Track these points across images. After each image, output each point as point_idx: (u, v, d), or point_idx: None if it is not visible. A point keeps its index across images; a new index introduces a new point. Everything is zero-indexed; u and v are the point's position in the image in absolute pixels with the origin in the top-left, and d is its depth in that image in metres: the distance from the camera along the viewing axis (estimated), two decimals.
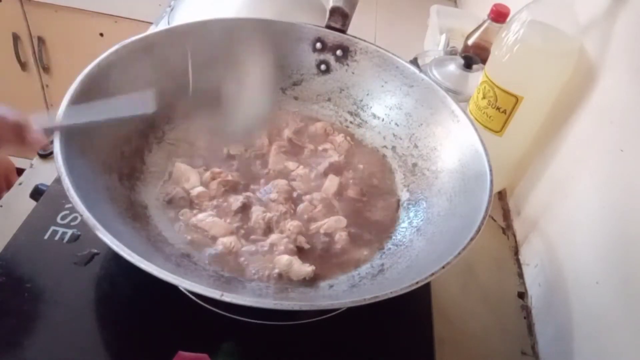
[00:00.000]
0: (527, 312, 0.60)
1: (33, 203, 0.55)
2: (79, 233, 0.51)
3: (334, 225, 0.52)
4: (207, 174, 0.54)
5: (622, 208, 0.48)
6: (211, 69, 0.60)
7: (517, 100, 0.59)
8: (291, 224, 0.51)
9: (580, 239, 0.54)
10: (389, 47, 0.62)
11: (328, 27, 0.62)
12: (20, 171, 0.62)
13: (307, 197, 0.55)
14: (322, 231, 0.52)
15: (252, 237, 0.50)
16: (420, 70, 0.60)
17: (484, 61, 0.68)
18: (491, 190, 0.46)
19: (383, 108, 0.63)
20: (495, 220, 0.70)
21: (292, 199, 0.54)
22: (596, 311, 0.49)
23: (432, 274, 0.39)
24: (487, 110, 0.63)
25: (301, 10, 0.82)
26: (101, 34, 1.36)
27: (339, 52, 0.63)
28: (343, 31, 0.63)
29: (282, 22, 0.63)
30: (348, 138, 0.62)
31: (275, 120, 0.63)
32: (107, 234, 0.36)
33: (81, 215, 0.37)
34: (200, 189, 0.52)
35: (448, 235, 0.47)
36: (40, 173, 0.62)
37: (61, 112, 0.44)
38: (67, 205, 0.53)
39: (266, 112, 0.60)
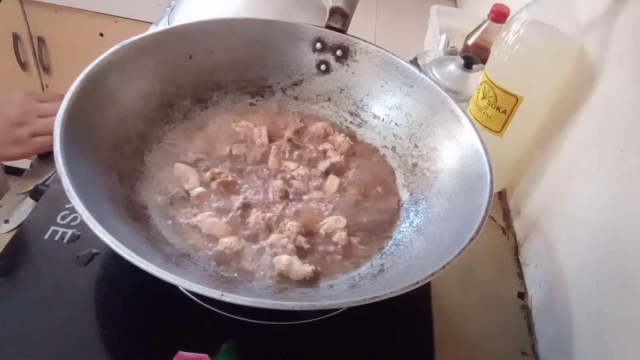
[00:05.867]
0: (527, 312, 0.60)
1: (33, 203, 0.56)
2: (79, 233, 0.51)
3: (334, 225, 0.52)
4: (207, 174, 0.54)
5: (622, 208, 0.48)
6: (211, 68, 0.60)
7: (517, 100, 0.59)
8: (291, 224, 0.51)
9: (581, 239, 0.54)
10: (389, 47, 0.62)
11: (328, 27, 0.62)
12: (20, 171, 0.62)
13: (307, 197, 0.55)
14: (321, 231, 0.52)
15: (252, 237, 0.50)
16: (420, 70, 0.60)
17: (484, 61, 0.68)
18: (491, 190, 0.46)
19: (383, 108, 0.63)
20: (495, 220, 0.70)
21: (288, 199, 0.54)
22: (596, 311, 0.49)
23: (432, 274, 0.39)
24: (487, 110, 0.63)
25: (301, 10, 0.82)
26: (101, 34, 1.37)
27: (339, 52, 0.63)
28: (343, 31, 0.62)
29: (282, 22, 0.62)
30: (348, 138, 0.62)
31: (276, 120, 0.63)
32: (107, 234, 0.36)
33: (81, 215, 0.37)
34: (200, 189, 0.52)
35: (448, 235, 0.47)
36: (40, 173, 0.62)
37: (61, 112, 0.44)
38: (67, 205, 0.53)
39: None
